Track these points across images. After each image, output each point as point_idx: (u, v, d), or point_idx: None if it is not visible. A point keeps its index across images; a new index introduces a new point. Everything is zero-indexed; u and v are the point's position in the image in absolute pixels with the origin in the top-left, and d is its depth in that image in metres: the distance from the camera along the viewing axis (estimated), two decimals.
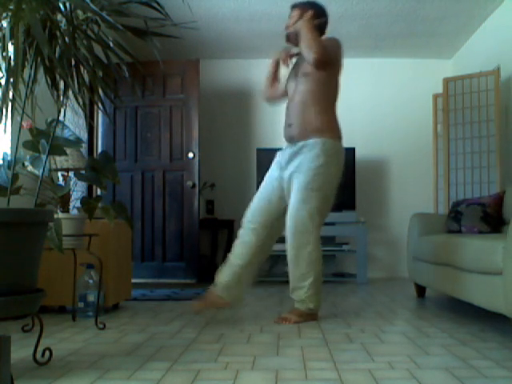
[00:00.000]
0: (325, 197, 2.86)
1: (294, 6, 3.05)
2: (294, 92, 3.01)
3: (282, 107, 5.69)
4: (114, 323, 2.82)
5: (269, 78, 3.22)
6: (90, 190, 4.58)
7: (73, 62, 1.87)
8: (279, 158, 3.03)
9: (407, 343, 2.31)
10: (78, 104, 1.92)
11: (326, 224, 5.26)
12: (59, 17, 1.80)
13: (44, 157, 2.01)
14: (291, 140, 2.95)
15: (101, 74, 1.90)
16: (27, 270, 1.65)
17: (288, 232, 2.88)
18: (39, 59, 1.80)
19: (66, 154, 2.16)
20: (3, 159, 2.09)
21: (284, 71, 3.22)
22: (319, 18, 2.98)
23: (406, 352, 2.14)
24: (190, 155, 4.96)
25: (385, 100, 5.68)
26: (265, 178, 3.06)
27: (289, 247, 2.89)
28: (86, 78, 1.91)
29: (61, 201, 2.71)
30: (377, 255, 5.59)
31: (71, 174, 2.91)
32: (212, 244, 5.44)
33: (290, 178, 2.91)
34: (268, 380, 1.76)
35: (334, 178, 2.90)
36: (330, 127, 2.92)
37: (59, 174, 3.11)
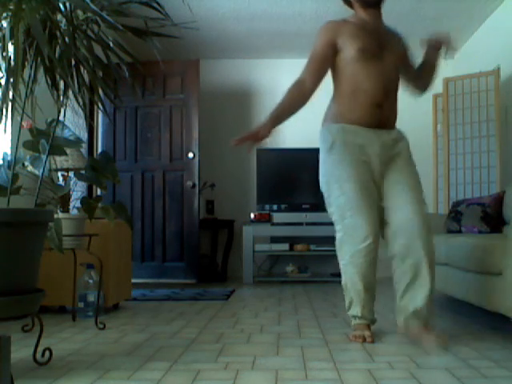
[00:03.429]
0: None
1: None
2: None
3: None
4: (113, 323, 2.82)
5: None
6: (90, 190, 4.58)
7: (73, 62, 1.87)
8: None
9: (407, 343, 2.31)
10: (78, 104, 1.92)
11: (326, 224, 5.30)
12: (59, 17, 1.80)
13: (44, 157, 2.01)
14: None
15: (101, 74, 1.90)
16: (27, 270, 1.65)
17: (425, 231, 2.41)
18: (39, 59, 1.80)
19: (66, 154, 2.16)
20: (3, 159, 2.09)
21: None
22: None
23: (406, 352, 2.14)
24: (190, 155, 4.96)
25: None
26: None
27: (428, 251, 2.41)
28: (86, 78, 1.91)
29: (61, 201, 2.71)
30: None
31: (71, 173, 2.91)
32: (212, 244, 5.44)
33: None
34: (268, 380, 1.76)
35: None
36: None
37: (59, 173, 3.11)
